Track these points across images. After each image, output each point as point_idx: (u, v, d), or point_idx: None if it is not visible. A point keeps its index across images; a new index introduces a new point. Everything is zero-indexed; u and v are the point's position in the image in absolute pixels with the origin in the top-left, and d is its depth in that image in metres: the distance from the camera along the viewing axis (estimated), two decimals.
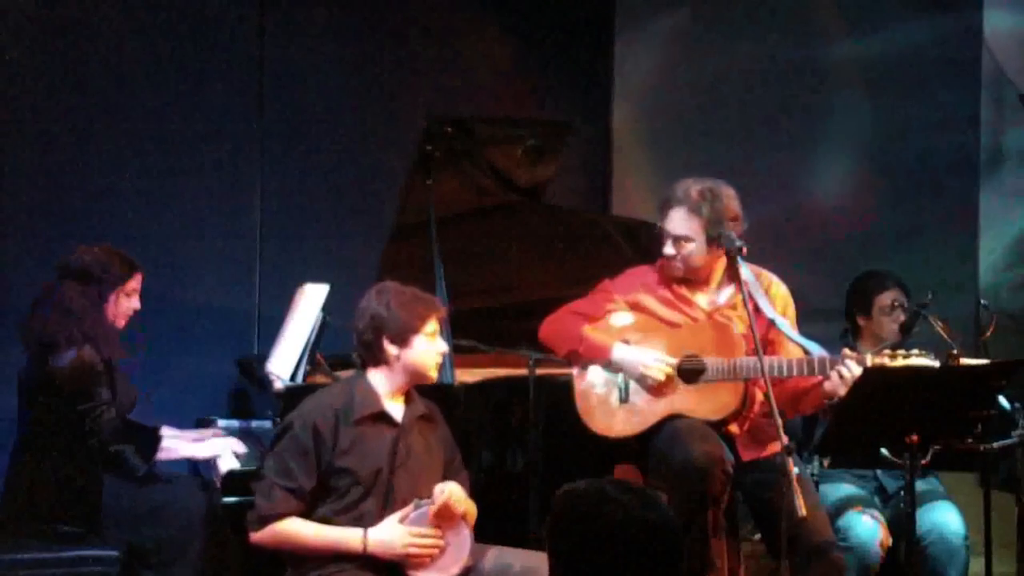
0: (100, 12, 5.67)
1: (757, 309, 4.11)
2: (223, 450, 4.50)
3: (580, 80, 6.42)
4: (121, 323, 4.54)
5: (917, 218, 6.47)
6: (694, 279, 4.22)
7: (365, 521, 3.70)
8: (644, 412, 4.14)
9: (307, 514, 3.70)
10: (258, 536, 3.70)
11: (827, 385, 3.96)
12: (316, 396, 3.89)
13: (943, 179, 6.51)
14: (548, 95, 6.34)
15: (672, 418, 4.10)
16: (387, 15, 6.15)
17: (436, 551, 3.67)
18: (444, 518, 3.70)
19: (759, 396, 4.08)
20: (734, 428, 4.14)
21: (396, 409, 3.84)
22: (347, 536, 3.67)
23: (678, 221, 4.15)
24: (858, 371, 3.86)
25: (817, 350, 4.04)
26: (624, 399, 4.18)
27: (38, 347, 4.37)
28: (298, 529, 3.68)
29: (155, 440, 4.46)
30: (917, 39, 6.50)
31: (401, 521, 3.69)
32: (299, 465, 3.68)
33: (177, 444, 4.56)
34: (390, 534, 3.67)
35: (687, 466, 3.91)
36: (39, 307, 4.41)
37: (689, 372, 4.11)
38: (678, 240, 4.15)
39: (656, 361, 4.10)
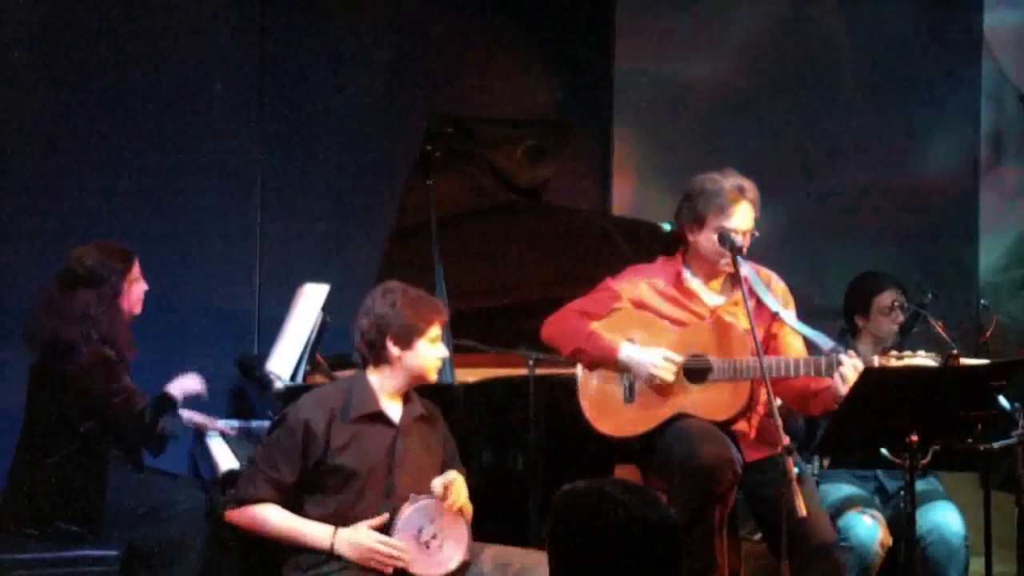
0: (100, 12, 5.68)
1: (759, 304, 4.12)
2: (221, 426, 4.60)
3: (580, 80, 6.42)
4: (138, 309, 4.58)
5: (917, 218, 6.48)
6: (713, 277, 4.23)
7: (364, 519, 3.71)
8: (650, 412, 4.13)
9: (291, 505, 3.73)
10: (233, 515, 3.77)
11: (832, 387, 3.95)
12: (314, 393, 3.91)
13: (943, 179, 6.52)
14: (548, 95, 6.34)
15: (678, 418, 4.09)
16: (387, 15, 6.15)
17: (397, 564, 3.67)
18: (448, 507, 3.70)
19: (764, 395, 4.07)
20: (744, 426, 4.14)
21: (394, 410, 3.84)
22: (316, 532, 3.69)
23: (752, 217, 4.14)
24: (849, 366, 3.88)
25: (821, 339, 4.04)
26: (629, 399, 4.17)
27: (52, 349, 4.37)
28: (272, 516, 3.72)
29: (170, 402, 4.52)
30: (917, 39, 6.50)
31: (391, 525, 3.70)
32: (284, 458, 3.72)
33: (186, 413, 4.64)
34: (358, 538, 3.67)
35: (696, 466, 3.91)
36: (48, 314, 4.41)
37: (695, 371, 4.11)
38: (744, 236, 4.13)
39: (664, 360, 4.10)
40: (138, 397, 4.38)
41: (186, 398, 4.61)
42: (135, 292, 4.56)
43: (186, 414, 4.63)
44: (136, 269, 4.57)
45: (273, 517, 3.72)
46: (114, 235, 4.87)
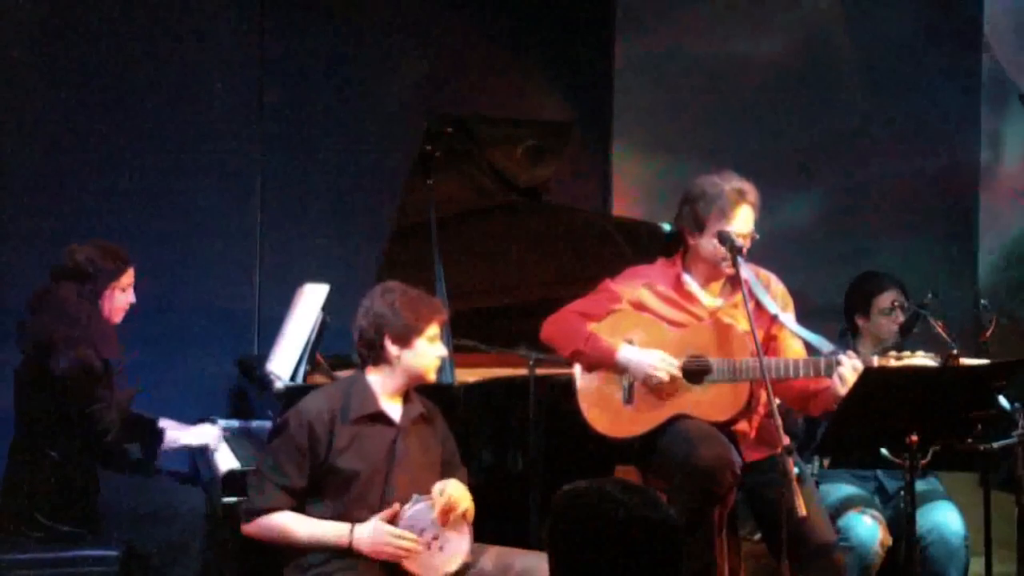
0: (100, 12, 5.67)
1: (759, 306, 4.12)
2: (211, 438, 4.52)
3: (580, 80, 6.42)
4: (117, 318, 4.53)
5: (917, 218, 6.48)
6: (713, 279, 4.23)
7: (363, 520, 3.70)
8: (649, 413, 4.13)
9: (299, 509, 3.73)
10: (248, 528, 3.76)
11: (832, 388, 3.96)
12: (313, 395, 3.90)
13: (943, 179, 6.51)
14: (548, 95, 6.34)
15: (678, 419, 4.09)
16: (387, 15, 6.15)
17: (410, 554, 3.67)
18: (446, 515, 3.70)
19: (764, 396, 4.07)
20: (744, 427, 4.14)
21: (394, 409, 3.84)
22: (334, 531, 3.69)
23: (753, 220, 4.15)
24: (848, 367, 3.87)
25: (820, 342, 4.04)
26: (629, 400, 4.17)
27: (36, 349, 4.36)
28: (287, 523, 3.71)
29: (156, 434, 4.47)
30: (917, 39, 6.50)
31: (397, 517, 3.70)
32: (291, 463, 3.71)
33: (172, 434, 4.59)
34: (372, 532, 3.68)
35: (695, 467, 3.91)
36: (37, 311, 4.40)
37: (694, 372, 4.11)
38: (744, 239, 4.13)
39: (662, 362, 4.10)
40: (108, 413, 4.33)
41: (180, 448, 4.57)
42: (119, 299, 4.50)
43: (170, 436, 4.62)
44: (127, 277, 4.51)
45: (288, 524, 3.71)
46: (114, 235, 4.86)
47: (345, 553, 3.68)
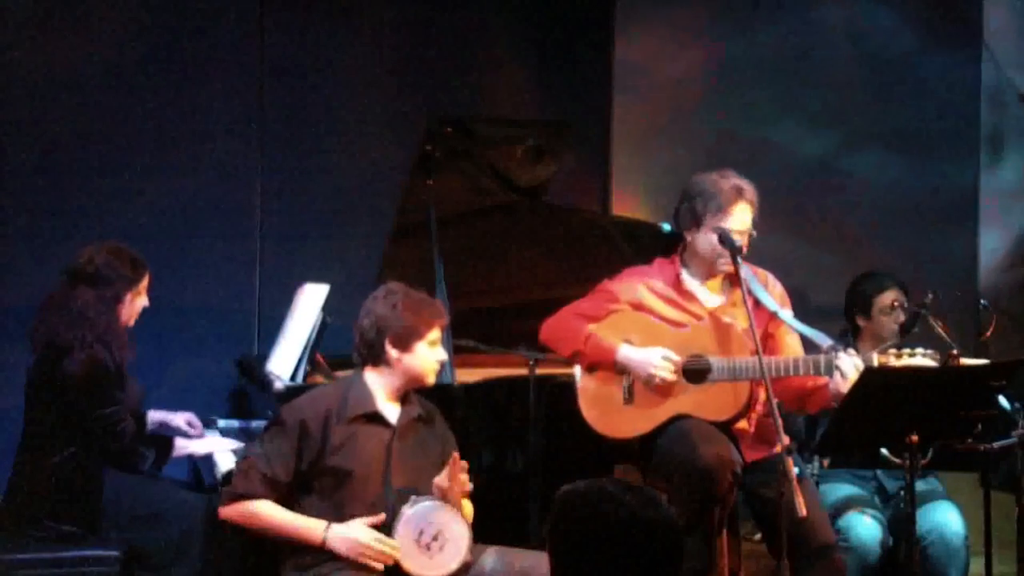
0: (100, 12, 5.67)
1: (758, 305, 4.12)
2: (218, 447, 4.52)
3: (580, 80, 6.42)
4: (132, 322, 4.54)
5: (917, 217, 6.48)
6: (711, 277, 4.23)
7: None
8: (650, 413, 4.13)
9: (287, 504, 3.73)
10: (226, 511, 3.77)
11: (832, 385, 3.96)
12: (311, 394, 3.91)
13: (943, 179, 6.52)
14: (548, 95, 6.34)
15: (678, 419, 4.09)
16: (387, 15, 6.15)
17: (387, 560, 3.66)
18: (457, 486, 3.69)
19: (763, 395, 4.07)
20: (744, 426, 4.14)
21: (391, 410, 3.84)
22: (309, 526, 3.70)
23: (750, 217, 4.14)
24: (849, 363, 3.87)
25: (819, 337, 4.04)
26: (629, 400, 4.17)
27: (48, 350, 4.35)
28: (265, 511, 3.72)
29: (168, 450, 4.49)
30: (917, 39, 6.51)
31: (396, 520, 3.69)
32: (278, 458, 3.72)
33: (180, 443, 4.59)
34: (350, 533, 3.67)
35: (696, 467, 3.91)
36: (50, 312, 4.39)
37: (694, 372, 4.11)
38: (742, 236, 4.12)
39: (663, 360, 4.10)
40: (123, 415, 4.33)
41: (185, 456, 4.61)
42: (136, 304, 4.50)
43: (180, 443, 4.63)
44: (144, 282, 4.52)
45: (266, 512, 3.72)
46: (114, 235, 4.85)
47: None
